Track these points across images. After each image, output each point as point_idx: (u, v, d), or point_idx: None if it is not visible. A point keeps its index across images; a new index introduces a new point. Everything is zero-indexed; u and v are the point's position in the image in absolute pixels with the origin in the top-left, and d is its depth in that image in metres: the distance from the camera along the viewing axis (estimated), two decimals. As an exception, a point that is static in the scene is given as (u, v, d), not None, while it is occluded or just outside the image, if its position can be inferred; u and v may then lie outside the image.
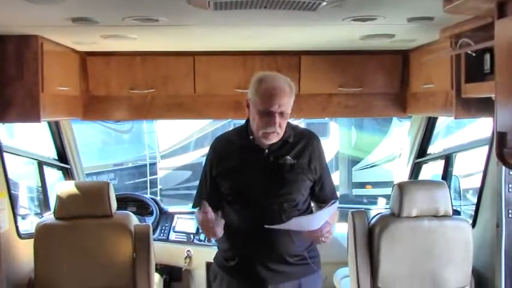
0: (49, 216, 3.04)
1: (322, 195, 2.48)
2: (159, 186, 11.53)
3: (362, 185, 10.40)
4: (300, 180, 2.39)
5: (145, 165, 11.29)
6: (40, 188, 3.83)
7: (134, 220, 3.03)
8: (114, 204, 2.97)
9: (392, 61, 3.61)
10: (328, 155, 11.35)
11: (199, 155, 12.29)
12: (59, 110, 3.10)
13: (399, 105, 3.71)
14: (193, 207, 2.59)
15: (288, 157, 2.37)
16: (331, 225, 2.32)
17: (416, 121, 4.03)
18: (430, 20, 2.43)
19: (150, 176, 11.24)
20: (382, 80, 3.66)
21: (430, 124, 3.92)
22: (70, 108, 3.31)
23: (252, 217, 2.35)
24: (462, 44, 2.51)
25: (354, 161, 10.65)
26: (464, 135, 7.47)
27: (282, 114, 2.30)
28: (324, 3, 2.11)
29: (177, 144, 12.32)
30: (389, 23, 2.54)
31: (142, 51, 3.47)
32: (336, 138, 10.59)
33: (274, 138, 2.36)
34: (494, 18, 1.83)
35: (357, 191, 10.53)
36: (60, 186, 2.97)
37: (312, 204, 2.55)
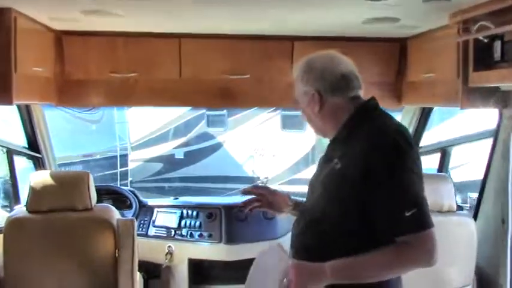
0: (21, 209, 2.76)
1: (376, 226, 1.76)
2: (130, 179, 11.24)
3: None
4: (338, 194, 1.81)
5: (116, 156, 10.98)
6: (7, 178, 3.54)
7: (116, 214, 2.79)
8: (94, 196, 2.72)
9: (389, 49, 3.45)
10: (304, 148, 11.43)
11: (170, 147, 12.07)
12: (32, 92, 2.83)
13: (394, 96, 3.55)
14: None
15: (335, 159, 1.86)
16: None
17: (408, 113, 3.88)
18: (447, 0, 2.27)
19: (120, 167, 10.93)
20: (377, 69, 3.49)
21: (424, 116, 3.78)
22: (44, 91, 3.03)
23: (291, 242, 1.99)
24: (480, 28, 2.35)
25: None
26: (450, 126, 7.42)
27: (295, 101, 2.01)
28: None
29: (147, 136, 12.06)
30: (401, 3, 2.36)
31: (125, 31, 3.20)
32: (312, 131, 10.43)
33: (316, 133, 2.06)
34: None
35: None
36: (34, 176, 2.70)
37: None
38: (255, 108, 9.19)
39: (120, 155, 11.05)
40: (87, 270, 2.66)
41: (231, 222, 3.72)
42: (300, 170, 10.97)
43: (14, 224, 2.64)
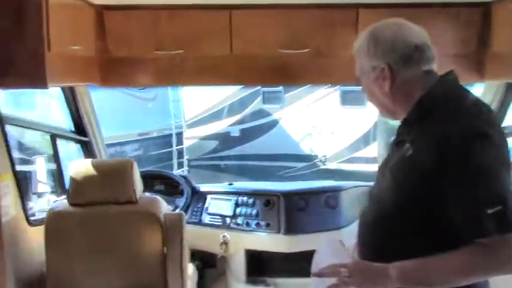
0: (63, 201, 2.55)
1: (451, 225, 1.51)
2: (186, 157, 11.15)
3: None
4: (407, 185, 1.59)
5: (171, 134, 10.88)
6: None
7: (164, 207, 2.54)
8: (139, 187, 2.47)
9: (469, 15, 2.98)
10: (365, 125, 10.94)
11: (226, 124, 11.89)
12: (71, 73, 2.58)
13: (474, 69, 3.09)
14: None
15: (407, 144, 1.63)
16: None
17: (491, 88, 3.40)
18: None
19: (176, 146, 10.83)
20: (454, 39, 3.04)
21: (510, 91, 3.30)
22: (85, 71, 2.80)
23: (358, 233, 1.80)
24: None
25: (392, 130, 9.98)
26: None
27: (357, 79, 1.80)
28: None
29: (202, 113, 11.90)
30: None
31: (170, 4, 2.91)
32: (374, 107, 9.91)
33: (380, 115, 1.87)
34: None
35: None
36: (74, 166, 2.47)
37: None
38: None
39: (176, 133, 10.96)
40: (133, 267, 2.43)
41: (291, 211, 3.43)
42: (360, 148, 10.52)
43: (54, 217, 2.43)
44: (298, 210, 3.45)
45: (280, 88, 10.92)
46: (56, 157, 3.17)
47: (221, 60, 3.02)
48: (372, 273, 1.57)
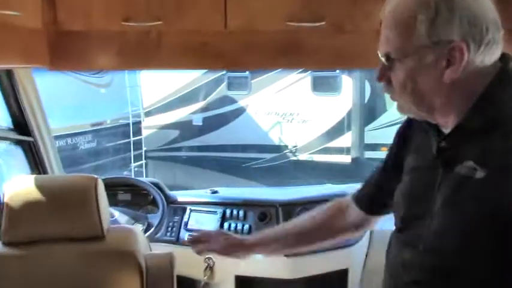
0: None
1: None
2: (144, 148, 10.43)
3: (376, 146, 9.40)
4: (492, 223, 1.15)
5: (128, 124, 10.12)
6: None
7: (143, 241, 1.81)
8: (106, 216, 1.73)
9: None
10: (340, 113, 10.51)
11: (187, 112, 11.24)
12: (5, 51, 1.83)
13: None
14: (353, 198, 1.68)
15: (470, 162, 1.19)
16: None
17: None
18: None
19: (133, 136, 10.11)
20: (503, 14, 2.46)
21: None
22: (28, 49, 2.04)
23: (389, 267, 1.39)
24: None
25: (366, 120, 9.59)
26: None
27: (387, 60, 1.28)
28: None
29: (162, 100, 11.18)
30: None
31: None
32: (348, 94, 9.49)
33: (400, 110, 1.34)
34: None
35: (369, 154, 9.53)
36: (9, 188, 1.69)
37: None
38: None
39: (133, 123, 10.21)
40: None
41: (293, 226, 2.82)
42: (334, 137, 10.08)
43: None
44: (301, 225, 2.85)
45: (247, 73, 10.30)
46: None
47: (212, 37, 2.30)
48: None
